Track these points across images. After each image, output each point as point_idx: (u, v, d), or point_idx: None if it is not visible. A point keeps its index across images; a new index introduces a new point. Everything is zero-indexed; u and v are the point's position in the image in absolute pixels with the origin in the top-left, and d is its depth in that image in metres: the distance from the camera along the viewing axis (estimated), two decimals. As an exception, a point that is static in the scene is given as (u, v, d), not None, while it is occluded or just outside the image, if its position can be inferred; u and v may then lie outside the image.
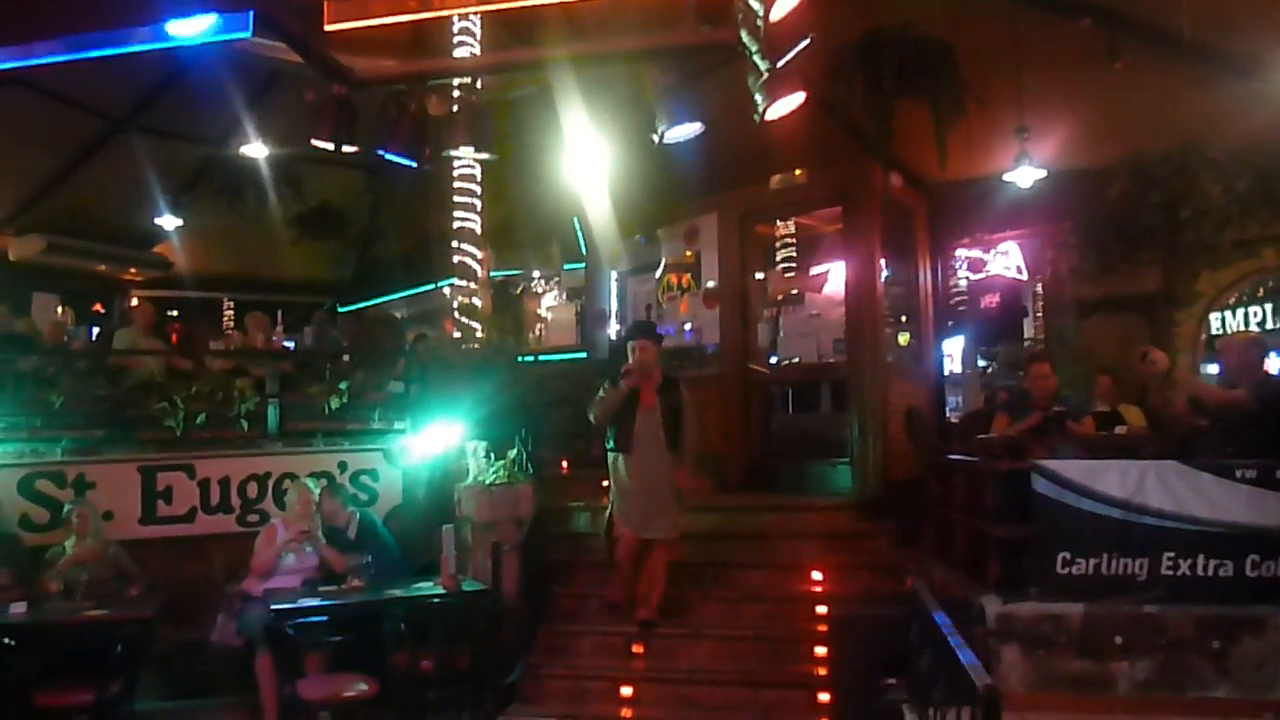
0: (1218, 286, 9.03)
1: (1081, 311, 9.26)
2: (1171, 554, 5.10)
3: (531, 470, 7.25)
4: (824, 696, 5.91)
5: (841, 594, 6.54)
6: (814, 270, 10.91)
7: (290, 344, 11.92)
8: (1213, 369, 8.50)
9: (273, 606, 5.87)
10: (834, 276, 10.18)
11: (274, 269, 13.92)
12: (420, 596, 6.22)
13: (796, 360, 9.72)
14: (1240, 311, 9.69)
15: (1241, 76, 7.02)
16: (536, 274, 12.81)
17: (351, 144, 6.18)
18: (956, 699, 3.49)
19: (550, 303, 13.02)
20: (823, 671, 6.07)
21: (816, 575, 6.91)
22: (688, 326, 9.83)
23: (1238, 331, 9.15)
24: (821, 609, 6.49)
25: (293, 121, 8.26)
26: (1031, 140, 7.68)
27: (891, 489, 7.90)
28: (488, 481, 6.97)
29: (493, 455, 7.08)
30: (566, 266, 12.17)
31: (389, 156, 6.27)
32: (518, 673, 6.56)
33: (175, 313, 13.57)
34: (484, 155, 6.97)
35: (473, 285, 8.31)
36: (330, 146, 6.20)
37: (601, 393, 6.57)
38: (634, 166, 8.19)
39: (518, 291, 12.72)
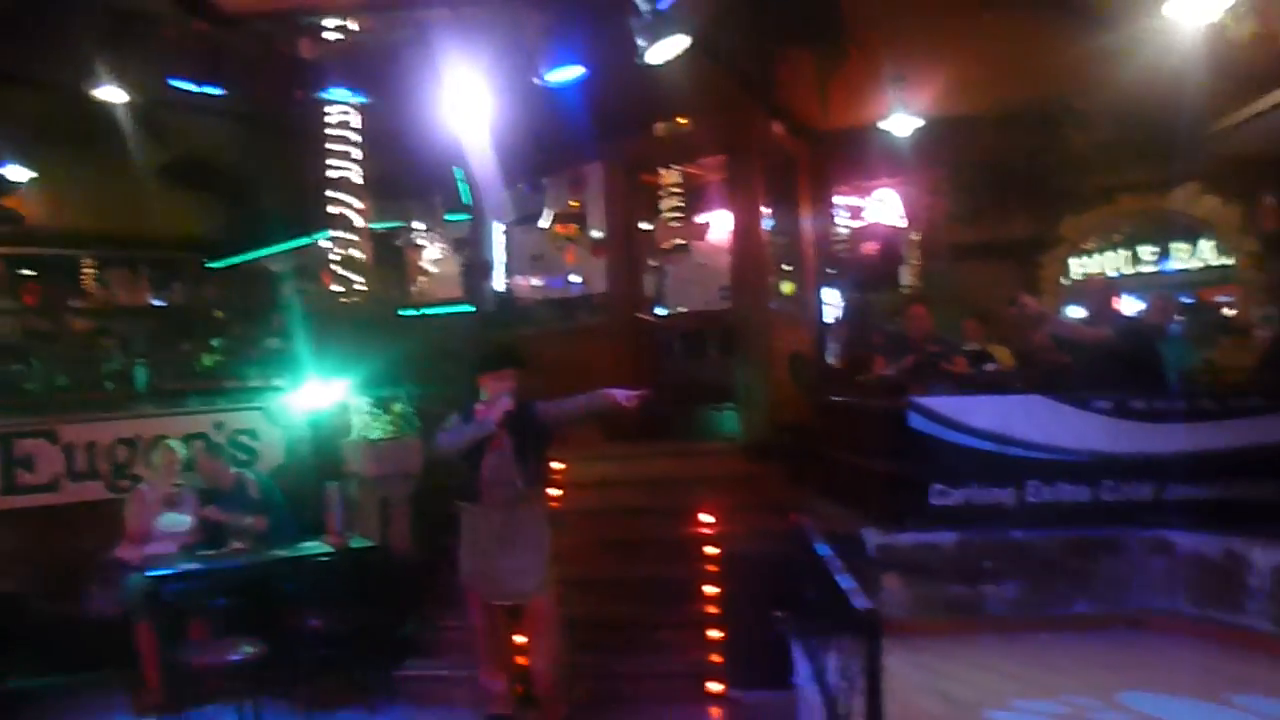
0: (1080, 231, 9.54)
1: (955, 256, 9.65)
2: (1036, 482, 5.41)
3: (418, 424, 7.14)
4: (715, 633, 6.07)
5: (732, 534, 6.68)
6: (700, 219, 10.98)
7: (159, 302, 11.34)
8: (1075, 310, 8.97)
9: (149, 573, 5.65)
10: (719, 225, 10.28)
11: (139, 223, 13.11)
12: (307, 556, 6.09)
13: (684, 309, 9.82)
14: (1100, 255, 10.20)
15: (1104, 30, 7.32)
16: (418, 225, 12.49)
17: (217, 86, 5.87)
18: (840, 626, 3.63)
19: (433, 255, 12.73)
20: (713, 609, 6.22)
21: (708, 517, 7.05)
22: (575, 277, 9.80)
23: (1095, 274, 9.65)
24: (713, 549, 6.62)
25: (153, 63, 7.78)
26: (908, 89, 7.88)
27: (779, 431, 8.10)
28: (374, 437, 6.84)
29: (378, 410, 6.94)
30: (449, 217, 11.90)
31: (255, 101, 5.97)
32: (412, 626, 6.52)
33: (29, 271, 12.71)
34: (360, 100, 6.71)
35: (352, 237, 8.07)
36: (192, 89, 5.87)
37: (449, 425, 5.20)
38: (518, 114, 8.04)
39: (399, 244, 12.38)
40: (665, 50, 5.22)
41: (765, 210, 8.77)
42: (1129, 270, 9.95)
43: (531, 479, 5.20)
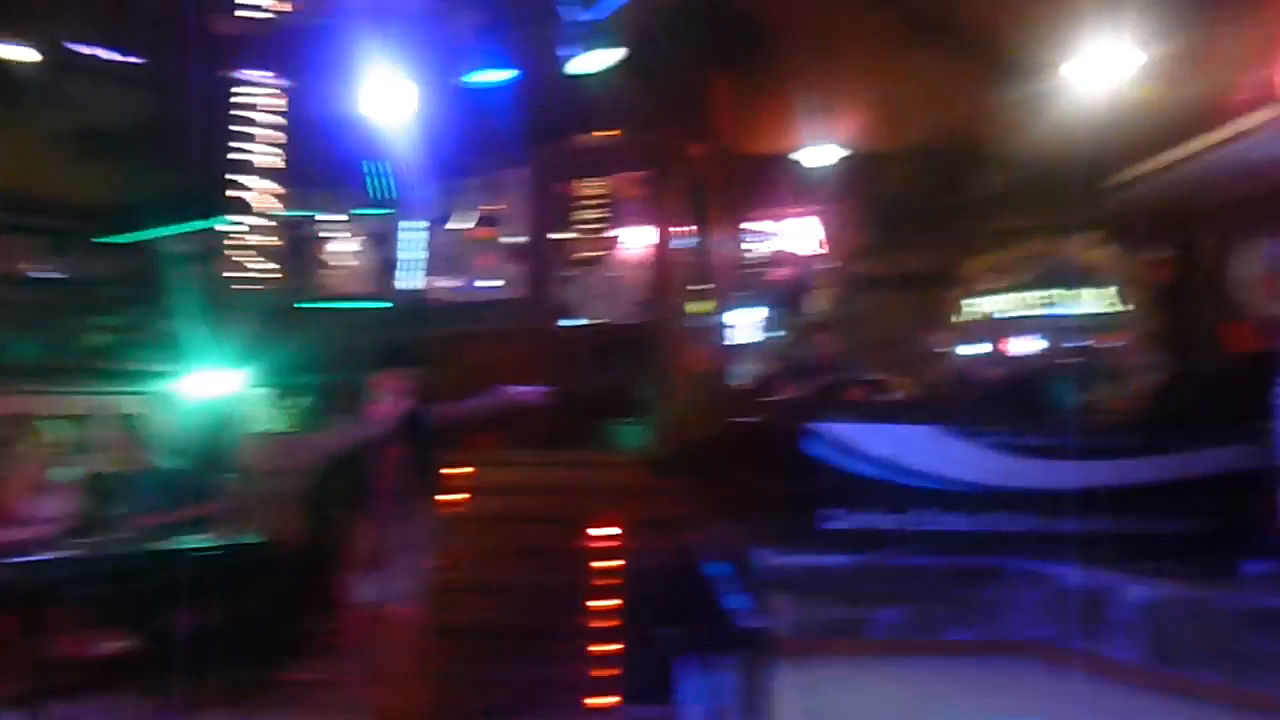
0: (982, 270, 9.88)
1: (863, 287, 9.89)
2: (924, 510, 5.58)
3: (318, 419, 6.97)
4: (605, 647, 6.06)
5: (627, 548, 6.69)
6: (618, 232, 11.00)
7: (48, 273, 10.79)
8: (973, 347, 9.27)
9: (12, 559, 5.37)
10: (636, 239, 10.32)
11: (29, 189, 12.50)
12: (188, 549, 5.87)
13: (597, 320, 9.81)
14: (1000, 295, 10.53)
15: (1016, 80, 7.65)
16: (331, 217, 12.20)
17: (122, 52, 5.62)
18: (726, 645, 3.67)
19: (345, 248, 12.45)
20: (605, 623, 6.21)
21: (607, 529, 7.04)
22: (489, 280, 9.71)
23: (987, 315, 9.93)
24: (610, 562, 6.62)
25: (56, 22, 7.44)
26: (828, 121, 8.08)
27: (684, 448, 8.13)
28: (269, 430, 6.65)
29: (276, 403, 6.75)
30: (364, 211, 11.66)
31: (166, 73, 5.76)
32: (296, 628, 6.33)
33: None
34: (278, 84, 6.54)
35: (260, 223, 7.85)
36: (96, 53, 5.62)
37: (334, 426, 5.24)
38: (443, 112, 7.95)
39: (310, 234, 12.07)
40: (596, 61, 5.24)
41: (682, 228, 8.85)
42: (1026, 311, 10.31)
43: (423, 490, 4.86)
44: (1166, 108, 6.56)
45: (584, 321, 9.87)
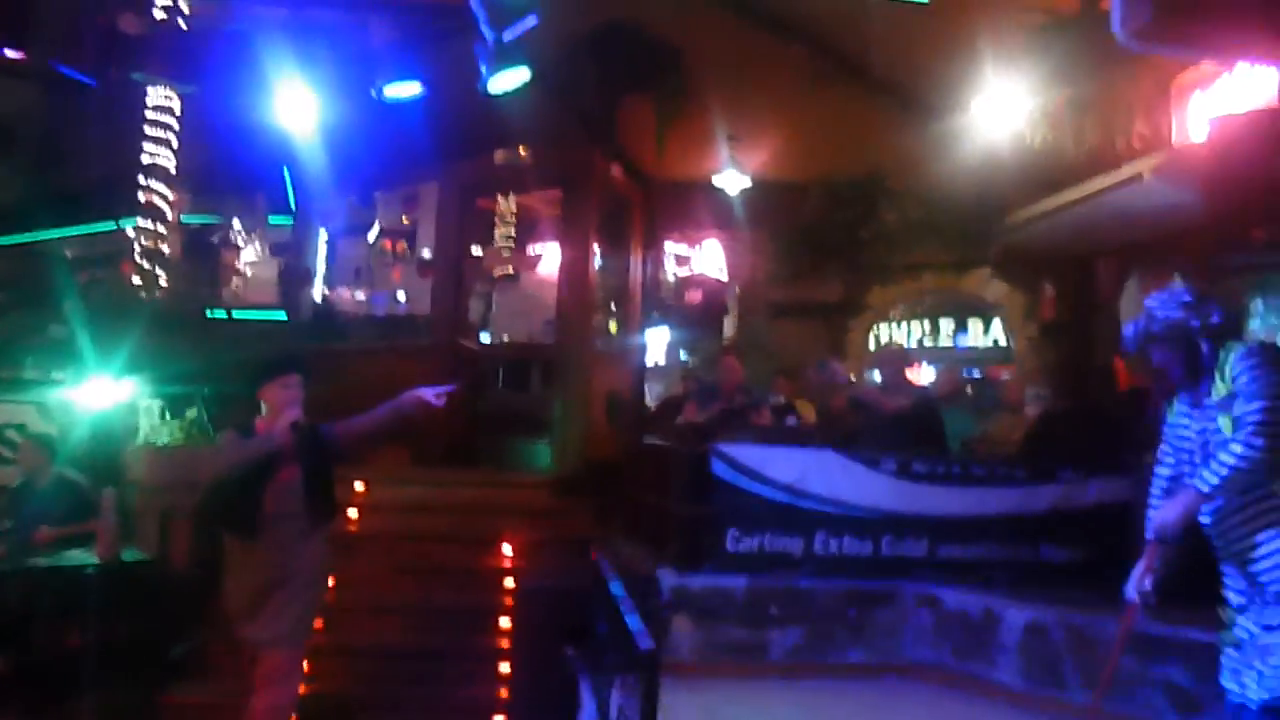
0: (886, 302, 10.20)
1: (772, 313, 10.11)
2: (824, 534, 5.69)
3: (212, 432, 6.76)
4: (505, 668, 6.01)
5: (532, 568, 6.67)
6: (531, 250, 11.02)
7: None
8: (874, 375, 9.55)
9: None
10: (550, 258, 10.35)
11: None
12: (68, 567, 5.61)
13: (508, 339, 9.79)
14: (904, 325, 10.88)
15: (924, 120, 7.94)
16: (238, 224, 11.92)
17: (18, 48, 5.42)
18: (624, 664, 3.68)
19: (251, 257, 12.17)
20: (505, 643, 6.17)
21: (509, 550, 7.00)
22: (400, 295, 9.61)
23: (893, 344, 10.27)
24: (510, 582, 6.58)
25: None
26: (741, 150, 8.24)
27: (590, 468, 8.16)
28: (160, 442, 6.42)
29: (169, 414, 6.52)
30: (273, 220, 11.42)
31: (66, 71, 5.55)
32: (184, 648, 6.10)
33: None
34: (183, 88, 6.37)
35: (161, 229, 7.62)
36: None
37: (223, 443, 4.66)
38: (354, 123, 7.84)
39: (214, 241, 11.77)
40: (506, 81, 5.25)
41: (596, 248, 8.91)
42: (928, 342, 10.67)
43: (320, 514, 4.41)
44: (1062, 152, 6.87)
45: (496, 339, 9.85)
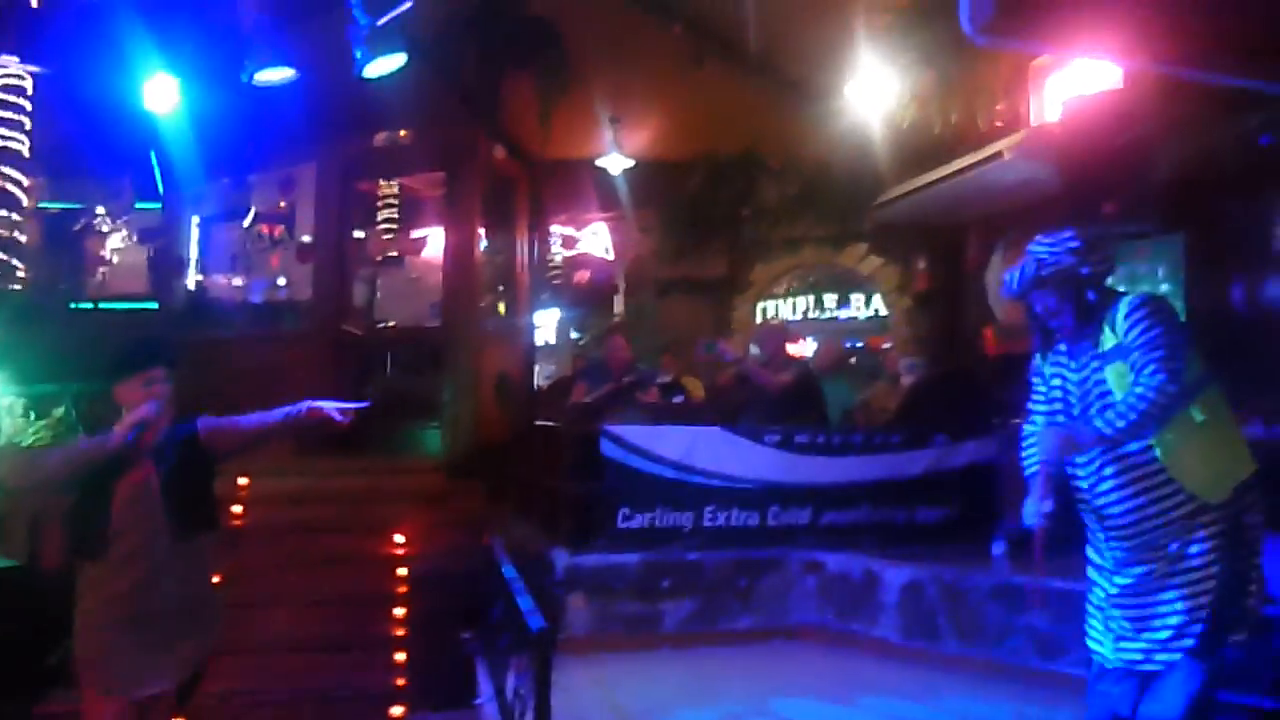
0: (769, 277, 10.45)
1: (658, 291, 10.24)
2: (712, 507, 5.86)
3: (81, 430, 6.47)
4: (400, 655, 5.99)
5: (426, 553, 6.64)
6: (415, 233, 10.85)
7: None
8: (760, 349, 9.78)
9: None
10: (434, 241, 10.22)
11: None
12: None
13: (394, 323, 9.64)
14: (789, 299, 11.15)
15: (801, 100, 8.15)
16: (102, 211, 11.34)
17: None
18: (519, 644, 3.75)
19: (117, 244, 11.60)
20: (401, 630, 6.15)
21: (401, 536, 6.95)
22: (278, 280, 9.34)
23: (767, 321, 10.50)
24: (404, 569, 6.55)
25: None
26: (624, 129, 8.31)
27: (481, 451, 8.15)
28: (25, 442, 6.13)
29: (33, 413, 6.22)
30: (139, 205, 10.90)
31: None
32: (60, 655, 5.86)
33: None
34: (32, 68, 6.03)
35: (15, 216, 7.20)
36: None
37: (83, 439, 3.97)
38: (224, 105, 7.56)
39: (77, 228, 11.17)
40: (381, 67, 5.16)
41: (482, 230, 8.84)
42: (812, 315, 10.96)
43: (188, 525, 3.68)
44: (930, 131, 7.17)
45: (381, 323, 9.68)
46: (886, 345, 10.18)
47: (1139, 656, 3.57)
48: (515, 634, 3.84)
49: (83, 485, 3.52)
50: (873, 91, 7.34)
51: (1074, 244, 3.58)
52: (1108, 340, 3.52)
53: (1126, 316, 3.47)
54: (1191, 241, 6.21)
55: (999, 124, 7.31)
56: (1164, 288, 6.37)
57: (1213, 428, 3.53)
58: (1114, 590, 3.65)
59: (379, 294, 9.81)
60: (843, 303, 10.62)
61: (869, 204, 9.01)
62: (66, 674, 5.77)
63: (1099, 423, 3.42)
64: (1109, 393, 3.52)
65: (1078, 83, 6.95)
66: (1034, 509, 3.68)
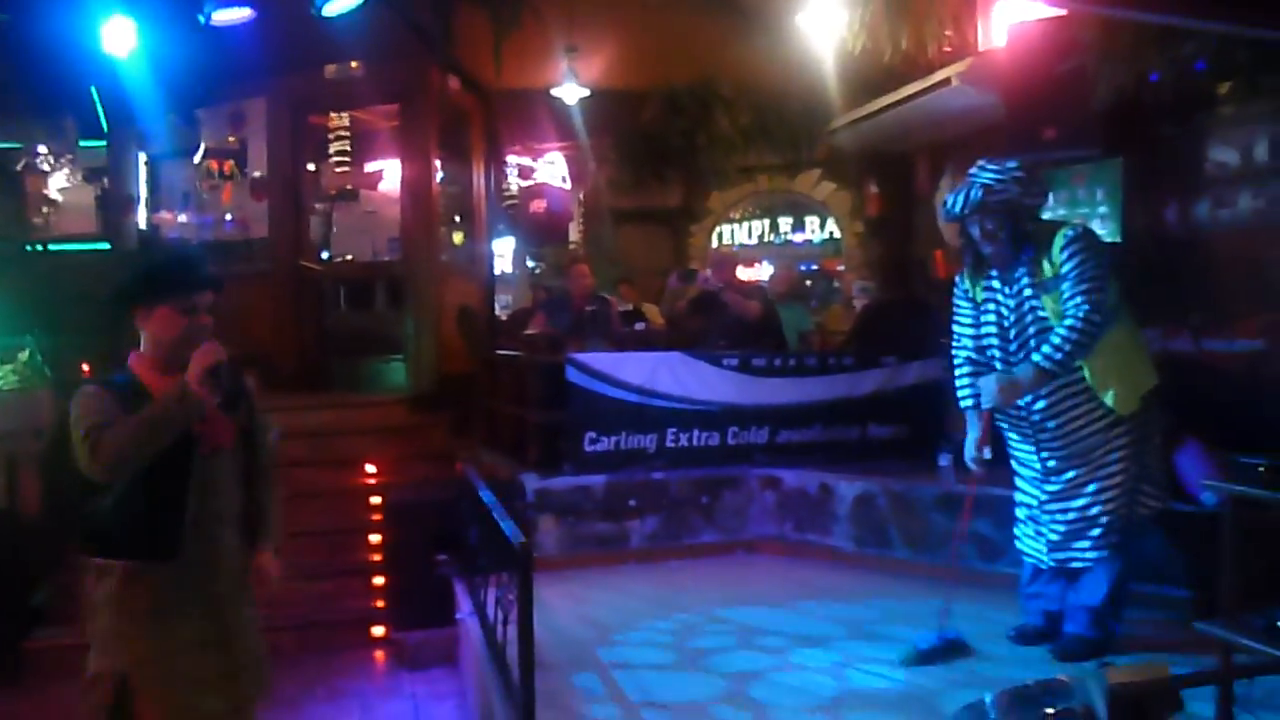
0: (725, 204, 10.59)
1: (616, 221, 10.34)
2: (674, 429, 6.11)
3: (49, 374, 6.51)
4: (379, 580, 6.23)
5: (396, 483, 6.83)
6: (370, 166, 10.77)
7: None
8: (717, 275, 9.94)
9: None
10: (390, 174, 10.17)
11: None
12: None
13: (351, 257, 9.65)
14: (744, 226, 11.28)
15: (753, 28, 8.20)
16: (44, 149, 11.04)
17: None
18: (498, 563, 3.97)
19: (62, 184, 11.33)
20: (377, 557, 6.37)
21: (372, 468, 7.13)
22: (229, 217, 9.25)
23: (719, 248, 10.63)
24: (377, 499, 6.74)
25: None
26: (579, 59, 8.31)
27: (445, 383, 8.30)
28: (-7, 386, 6.16)
29: (-2, 358, 6.24)
30: (83, 143, 10.64)
31: None
32: (44, 595, 6.00)
33: None
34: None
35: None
36: None
37: (96, 410, 2.65)
38: (171, 39, 7.41)
39: (18, 168, 10.89)
40: (342, 4, 5.16)
41: (437, 162, 8.84)
42: (768, 239, 11.12)
43: (259, 520, 3.05)
44: (880, 58, 7.27)
45: (339, 258, 9.67)
46: (839, 268, 10.41)
47: (1070, 555, 3.92)
48: (495, 554, 4.06)
49: (144, 464, 2.58)
50: (824, 20, 7.41)
51: (1017, 174, 3.80)
52: (1046, 271, 3.76)
53: (1063, 249, 3.72)
54: (1129, 166, 6.47)
55: (948, 50, 7.43)
56: (1102, 210, 6.64)
57: (1126, 347, 3.84)
58: (1044, 496, 3.98)
59: (335, 229, 9.77)
60: (797, 227, 10.79)
61: (822, 131, 9.15)
62: (55, 611, 5.94)
63: (1037, 357, 3.71)
64: (1046, 318, 3.78)
65: (1022, 9, 7.08)
66: (973, 453, 4.02)
